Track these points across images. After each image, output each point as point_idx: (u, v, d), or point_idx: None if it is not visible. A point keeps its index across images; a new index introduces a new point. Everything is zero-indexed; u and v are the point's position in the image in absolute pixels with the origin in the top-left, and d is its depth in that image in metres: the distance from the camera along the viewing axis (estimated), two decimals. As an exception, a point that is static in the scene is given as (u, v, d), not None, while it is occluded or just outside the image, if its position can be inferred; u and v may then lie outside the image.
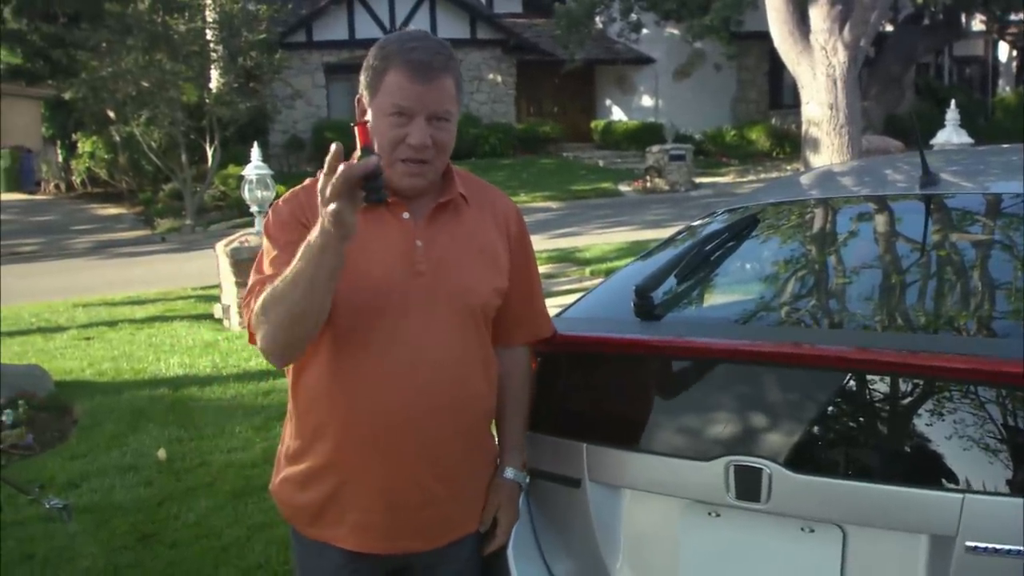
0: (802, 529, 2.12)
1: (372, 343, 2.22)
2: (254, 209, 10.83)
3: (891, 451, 2.10)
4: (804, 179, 3.93)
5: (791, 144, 27.16)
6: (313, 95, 27.44)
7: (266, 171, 10.81)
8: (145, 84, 20.71)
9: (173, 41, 20.95)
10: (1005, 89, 33.04)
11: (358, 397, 2.23)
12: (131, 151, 23.01)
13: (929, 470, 2.01)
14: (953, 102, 10.99)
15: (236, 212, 20.69)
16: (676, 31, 28.86)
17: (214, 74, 22.96)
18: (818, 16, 11.40)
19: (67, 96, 22.08)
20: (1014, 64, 33.41)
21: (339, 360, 2.24)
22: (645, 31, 28.26)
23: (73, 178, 27.33)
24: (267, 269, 2.22)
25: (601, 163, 27.63)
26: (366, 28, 26.77)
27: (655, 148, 24.46)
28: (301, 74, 27.07)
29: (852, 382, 2.14)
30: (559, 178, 24.95)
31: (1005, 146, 4.75)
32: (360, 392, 2.23)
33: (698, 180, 24.58)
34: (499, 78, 29.26)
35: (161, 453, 6.12)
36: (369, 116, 2.24)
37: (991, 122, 29.30)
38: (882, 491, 2.01)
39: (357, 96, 2.29)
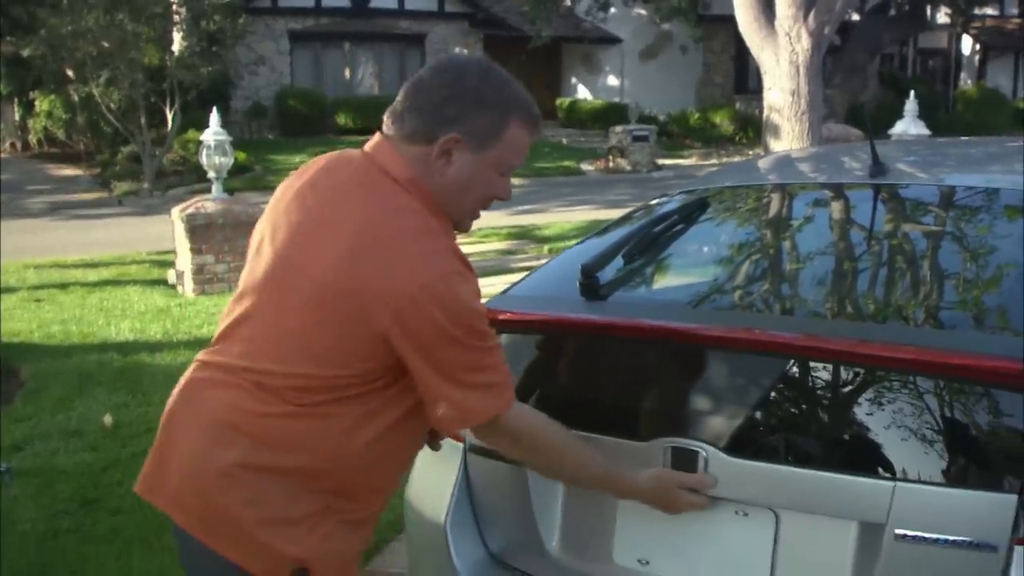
0: (736, 512, 2.14)
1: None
2: (212, 175, 10.70)
3: (827, 438, 2.12)
4: (760, 164, 3.93)
5: (754, 129, 27.24)
6: (277, 62, 27.14)
7: (224, 137, 10.65)
8: (105, 44, 20.33)
9: (135, 1, 20.58)
10: (967, 82, 33.37)
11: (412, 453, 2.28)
12: (89, 112, 22.58)
13: (863, 458, 2.03)
14: (912, 93, 11.07)
15: (195, 177, 20.41)
16: (644, 12, 28.86)
17: (176, 37, 22.59)
18: (783, 2, 11.38)
19: (25, 53, 21.62)
20: (976, 58, 33.73)
21: (405, 420, 2.11)
22: (613, 10, 28.25)
23: (30, 137, 26.83)
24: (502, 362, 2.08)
25: (565, 141, 27.58)
26: (333, -4, 26.54)
27: (619, 128, 24.47)
28: (265, 40, 26.76)
29: (794, 369, 2.15)
30: (522, 155, 24.88)
31: (961, 138, 4.78)
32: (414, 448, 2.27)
33: (661, 162, 24.63)
34: (465, 52, 29.12)
35: (107, 419, 6.05)
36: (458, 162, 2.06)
37: (951, 114, 29.61)
38: (816, 477, 2.02)
39: (450, 137, 2.02)
